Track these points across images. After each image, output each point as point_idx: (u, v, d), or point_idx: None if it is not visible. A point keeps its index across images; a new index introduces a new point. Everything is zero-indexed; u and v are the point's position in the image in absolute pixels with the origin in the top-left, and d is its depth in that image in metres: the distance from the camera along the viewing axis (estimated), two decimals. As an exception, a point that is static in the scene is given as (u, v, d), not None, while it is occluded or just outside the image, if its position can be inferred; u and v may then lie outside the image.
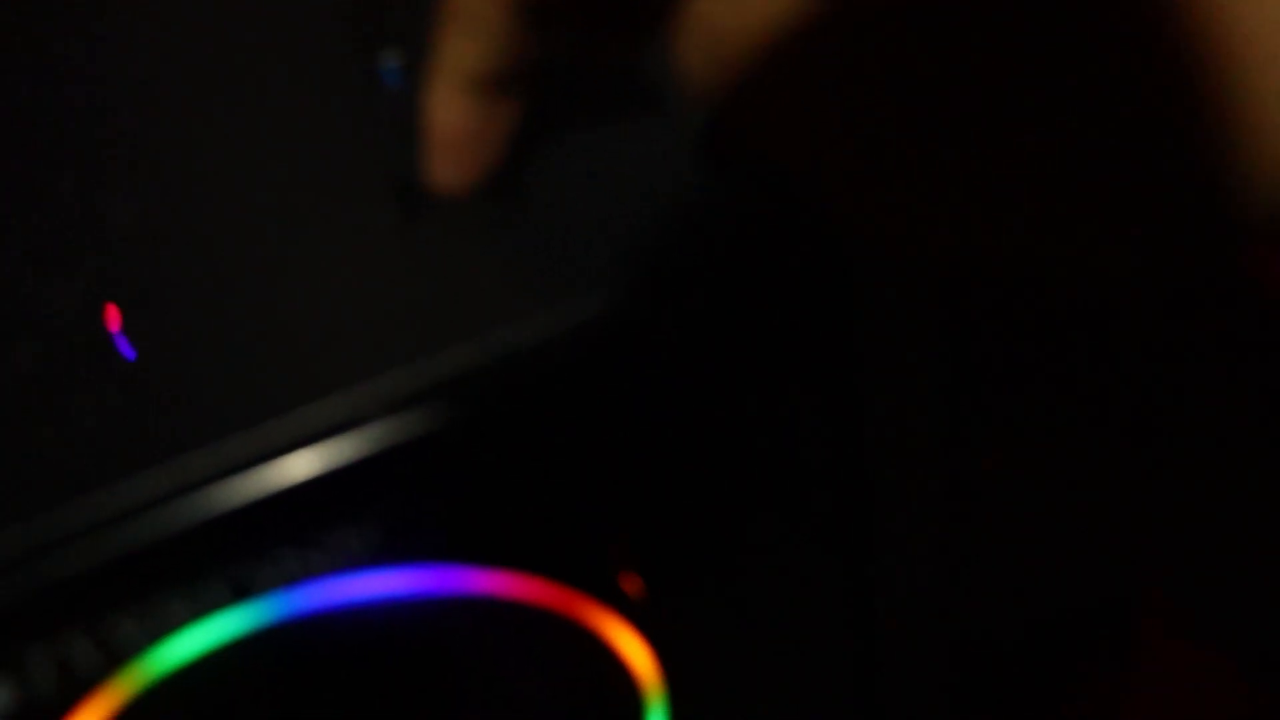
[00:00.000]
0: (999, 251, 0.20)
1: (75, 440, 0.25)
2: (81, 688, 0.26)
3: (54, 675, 0.25)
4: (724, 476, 0.30)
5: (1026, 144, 0.19)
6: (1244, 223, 0.19)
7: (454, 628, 0.29)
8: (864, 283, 0.30)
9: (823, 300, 0.30)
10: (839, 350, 0.29)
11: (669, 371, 0.27)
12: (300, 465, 0.25)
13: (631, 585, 0.30)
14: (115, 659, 0.26)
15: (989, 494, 0.45)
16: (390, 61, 0.32)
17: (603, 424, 0.26)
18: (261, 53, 0.33)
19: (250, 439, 0.25)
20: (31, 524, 0.24)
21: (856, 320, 0.30)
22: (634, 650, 0.32)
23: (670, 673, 0.32)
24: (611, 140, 0.29)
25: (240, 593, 0.25)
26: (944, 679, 0.38)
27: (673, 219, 0.28)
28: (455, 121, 0.28)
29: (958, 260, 0.20)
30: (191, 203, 0.29)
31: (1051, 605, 0.58)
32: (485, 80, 0.27)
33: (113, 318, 0.26)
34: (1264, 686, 0.66)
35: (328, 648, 0.28)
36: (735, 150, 0.28)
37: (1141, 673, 0.65)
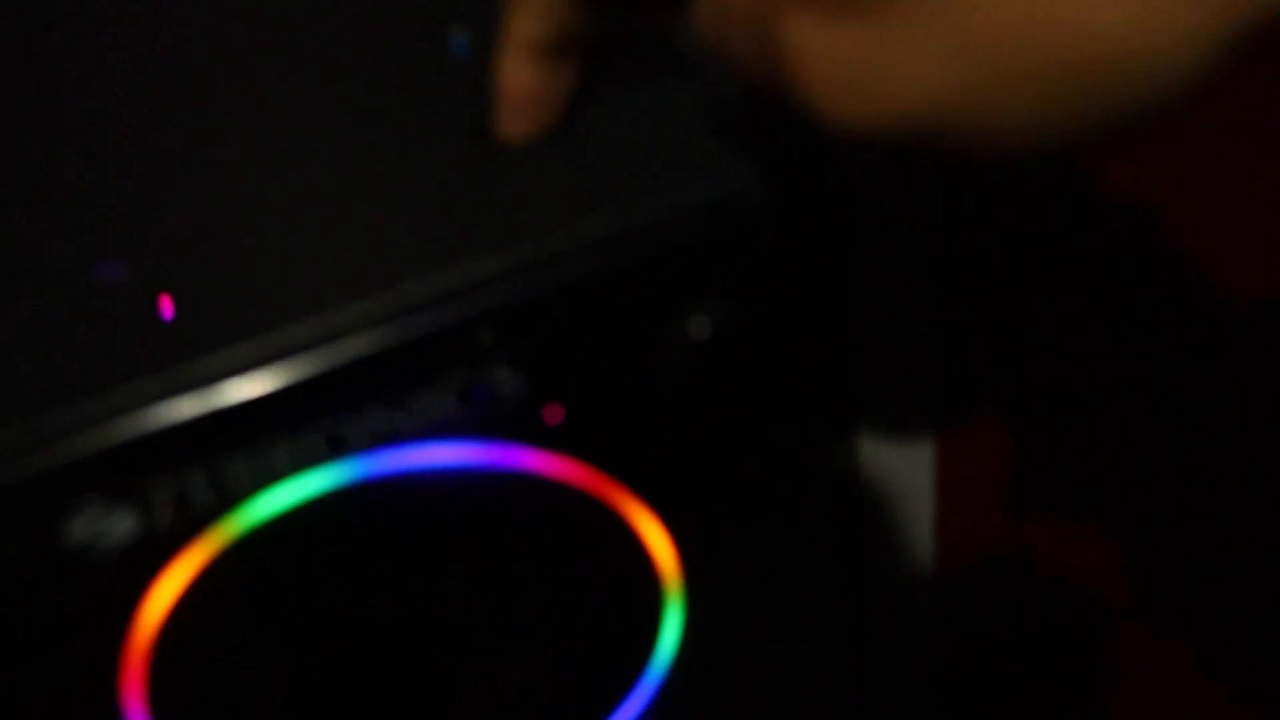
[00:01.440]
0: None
1: (189, 310, 0.29)
2: (196, 524, 0.30)
3: (172, 509, 0.29)
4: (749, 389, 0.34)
5: None
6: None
7: (503, 500, 0.33)
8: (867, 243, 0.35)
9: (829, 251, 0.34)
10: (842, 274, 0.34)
11: (688, 293, 0.32)
12: (388, 334, 0.29)
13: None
14: (226, 500, 0.30)
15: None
16: (458, 36, 0.38)
17: (655, 319, 0.31)
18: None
19: (348, 312, 0.29)
20: (161, 374, 0.28)
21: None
22: (660, 545, 0.36)
23: (689, 570, 0.36)
24: (657, 97, 0.34)
25: (335, 445, 0.30)
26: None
27: (704, 168, 0.32)
28: (521, 84, 0.33)
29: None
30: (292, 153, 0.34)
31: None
32: (547, 48, 0.32)
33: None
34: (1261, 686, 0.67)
35: (399, 509, 0.32)
36: (766, 112, 0.33)
37: (1131, 673, 0.67)
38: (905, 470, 0.39)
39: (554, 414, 0.32)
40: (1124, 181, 0.43)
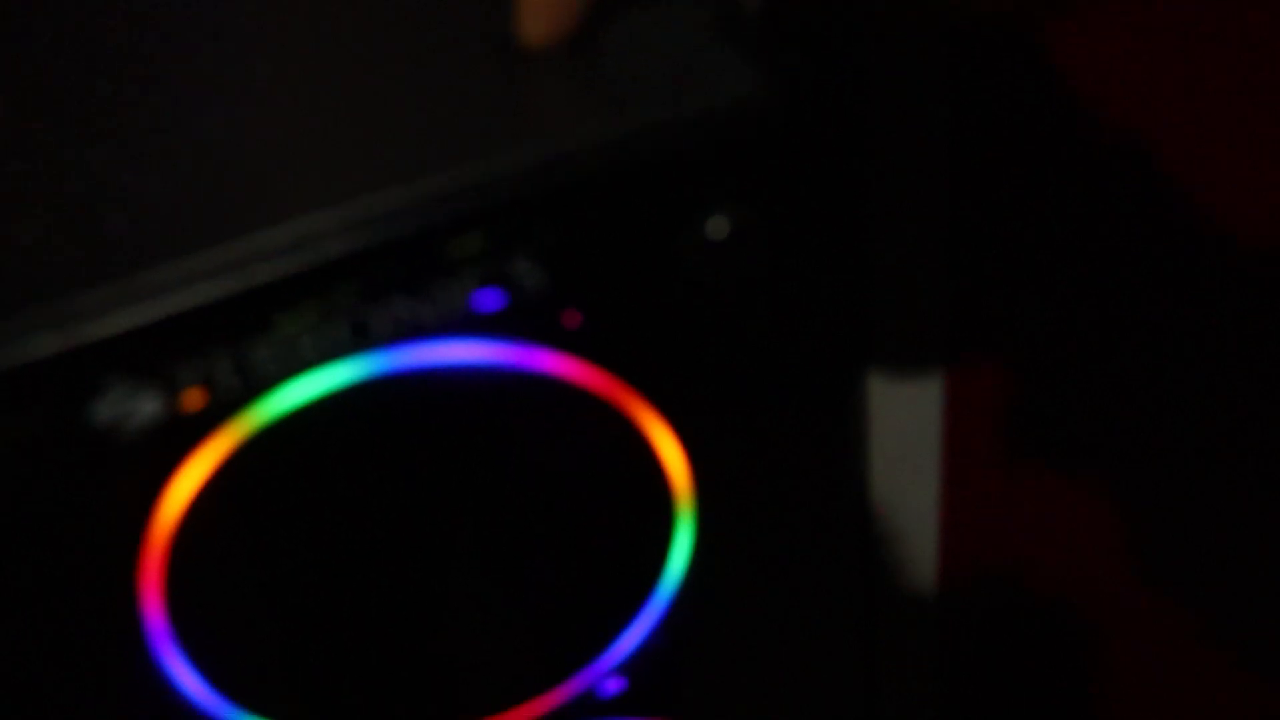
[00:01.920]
0: None
1: (209, 191, 0.30)
2: (221, 411, 0.30)
3: (199, 394, 0.30)
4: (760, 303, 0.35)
5: None
6: None
7: (521, 403, 0.33)
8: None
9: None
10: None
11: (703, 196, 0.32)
12: (412, 222, 0.30)
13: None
14: (252, 387, 0.30)
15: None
16: None
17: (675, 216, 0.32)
18: None
19: (373, 200, 0.30)
20: (190, 256, 0.29)
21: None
22: (673, 458, 0.36)
23: (701, 485, 0.37)
24: (678, 3, 0.35)
25: (360, 333, 0.30)
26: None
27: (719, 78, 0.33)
28: None
29: None
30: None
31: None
32: None
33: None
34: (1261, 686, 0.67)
35: (420, 406, 0.32)
36: (784, 20, 0.33)
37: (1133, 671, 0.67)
38: (914, 398, 0.40)
39: (572, 319, 0.33)
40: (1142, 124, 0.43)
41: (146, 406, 0.29)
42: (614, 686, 0.40)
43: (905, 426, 0.40)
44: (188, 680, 0.34)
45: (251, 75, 0.34)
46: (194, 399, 0.30)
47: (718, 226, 0.32)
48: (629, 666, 0.40)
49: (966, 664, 0.57)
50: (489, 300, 0.31)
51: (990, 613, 0.56)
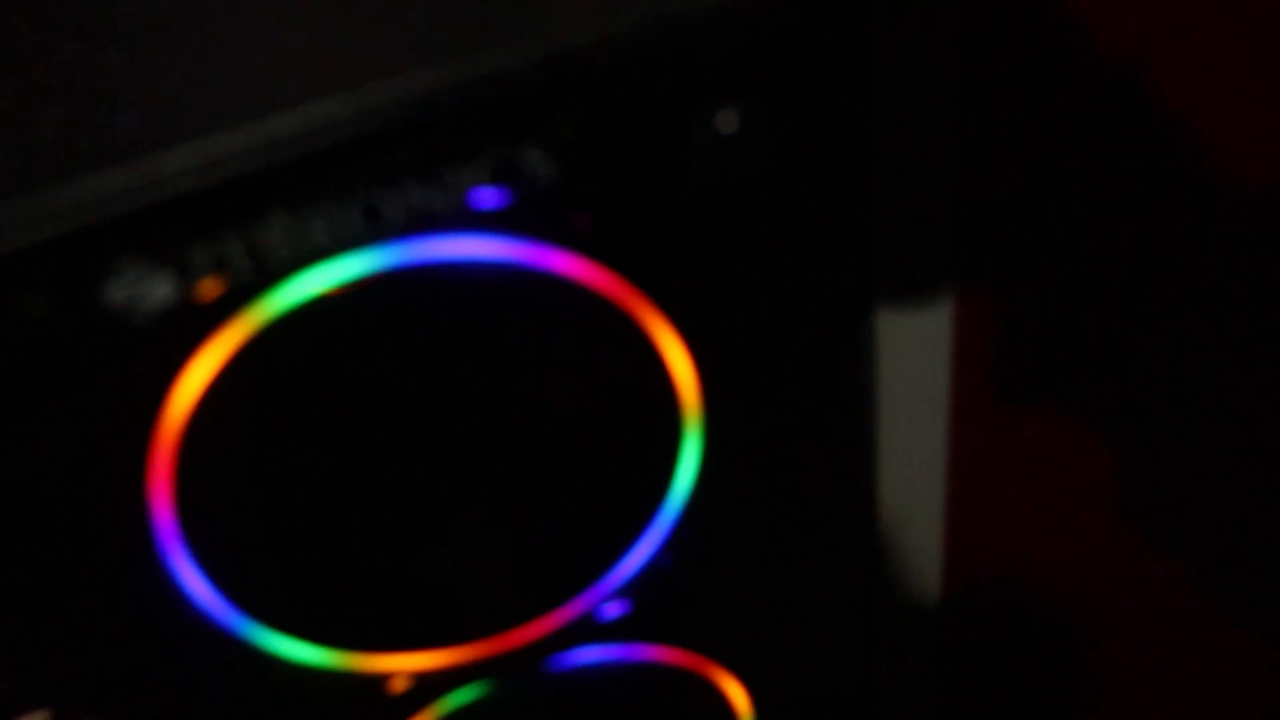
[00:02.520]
0: None
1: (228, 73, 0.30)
2: (234, 299, 0.30)
3: (211, 277, 0.30)
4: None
5: None
6: None
7: (532, 302, 0.33)
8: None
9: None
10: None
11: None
12: (423, 108, 0.30)
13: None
14: (265, 272, 0.30)
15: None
16: None
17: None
18: None
19: (387, 86, 0.30)
20: (203, 138, 0.29)
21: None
22: (682, 367, 0.36)
23: (709, 396, 0.37)
24: None
25: (371, 219, 0.30)
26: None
27: None
28: None
29: None
30: None
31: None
32: None
33: None
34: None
35: (429, 303, 0.32)
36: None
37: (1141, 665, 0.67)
38: (922, 329, 0.40)
39: (583, 220, 0.33)
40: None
41: (159, 289, 0.29)
42: (614, 610, 0.40)
43: (913, 353, 0.40)
44: (194, 583, 0.34)
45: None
46: (209, 287, 0.30)
47: (727, 120, 0.32)
48: (631, 589, 0.40)
49: (970, 604, 0.57)
50: (500, 193, 0.31)
51: (999, 540, 0.56)
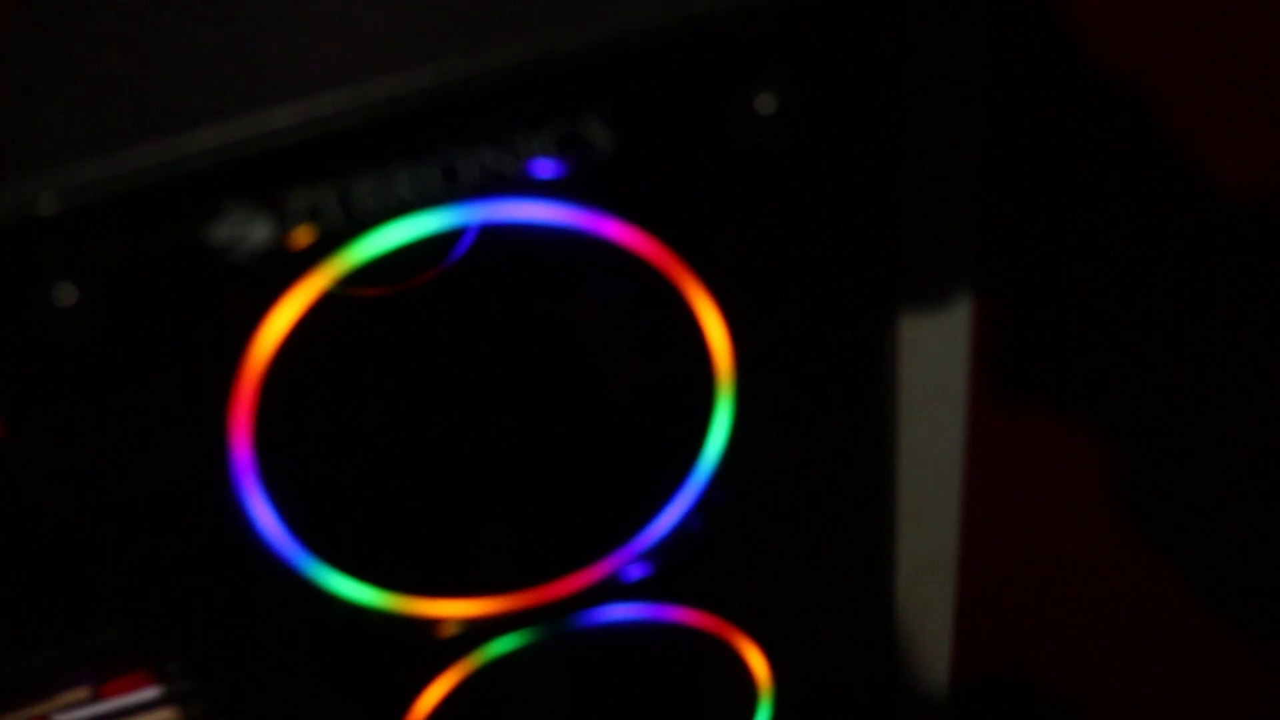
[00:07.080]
0: None
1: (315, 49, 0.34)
2: (325, 245, 0.34)
3: (306, 223, 0.33)
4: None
5: None
6: None
7: (582, 263, 0.37)
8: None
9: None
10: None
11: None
12: (499, 81, 0.33)
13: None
14: (354, 222, 0.34)
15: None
16: None
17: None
18: None
19: (467, 61, 0.33)
20: (301, 99, 0.32)
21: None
22: (717, 335, 0.39)
23: (741, 364, 0.40)
24: None
25: (449, 178, 0.34)
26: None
27: None
28: None
29: None
30: None
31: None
32: None
33: None
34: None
35: (496, 261, 0.36)
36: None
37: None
38: (944, 315, 0.43)
39: (633, 187, 0.36)
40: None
41: (258, 231, 0.33)
42: (638, 571, 0.43)
43: (933, 347, 0.43)
44: (264, 517, 0.37)
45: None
46: (303, 234, 0.33)
47: (766, 102, 0.35)
48: (658, 551, 0.43)
49: (987, 581, 0.57)
50: (559, 163, 0.35)
51: (1013, 534, 0.56)
